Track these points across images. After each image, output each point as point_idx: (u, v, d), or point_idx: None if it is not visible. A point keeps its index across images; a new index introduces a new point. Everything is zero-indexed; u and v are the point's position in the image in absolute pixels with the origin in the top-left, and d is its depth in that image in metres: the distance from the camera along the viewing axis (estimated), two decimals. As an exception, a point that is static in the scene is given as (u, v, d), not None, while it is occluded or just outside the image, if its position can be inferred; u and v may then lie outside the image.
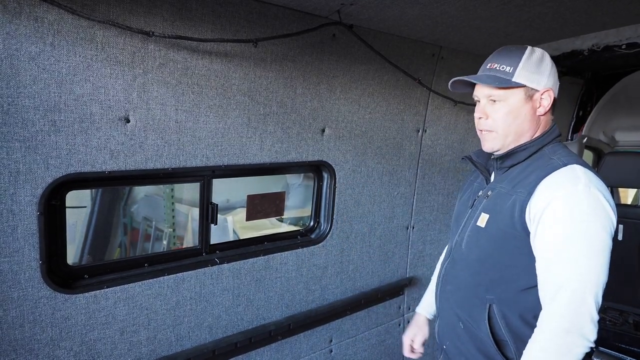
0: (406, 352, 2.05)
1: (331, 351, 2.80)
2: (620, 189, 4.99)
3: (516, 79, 1.50)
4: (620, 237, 3.57)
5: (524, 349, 1.46)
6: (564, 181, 1.40)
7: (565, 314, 1.33)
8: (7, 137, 1.55)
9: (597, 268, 1.33)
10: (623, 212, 3.56)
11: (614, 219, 1.37)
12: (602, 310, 3.58)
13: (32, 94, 1.57)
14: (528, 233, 1.44)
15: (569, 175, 1.40)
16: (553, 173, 1.42)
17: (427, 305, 2.04)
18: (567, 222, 1.36)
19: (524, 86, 1.51)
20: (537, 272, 1.43)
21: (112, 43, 1.69)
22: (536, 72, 1.51)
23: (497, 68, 1.54)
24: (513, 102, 1.53)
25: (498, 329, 1.53)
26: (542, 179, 1.43)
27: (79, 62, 1.64)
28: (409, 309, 3.22)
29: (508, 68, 1.52)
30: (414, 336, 2.02)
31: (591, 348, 1.33)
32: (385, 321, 3.08)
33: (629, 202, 6.13)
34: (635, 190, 5.83)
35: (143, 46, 1.76)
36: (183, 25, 1.83)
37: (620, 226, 3.57)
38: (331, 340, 2.79)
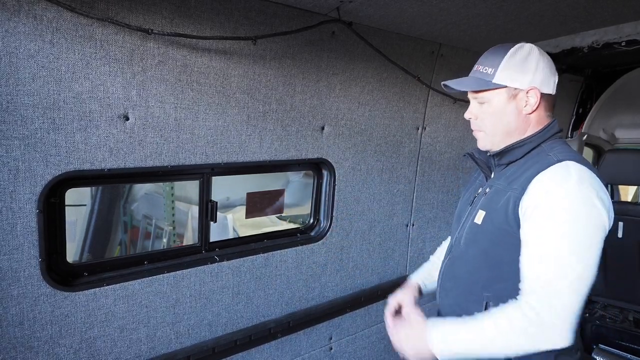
0: (388, 318, 1.73)
1: (331, 349, 2.80)
2: (620, 187, 4.99)
3: (496, 80, 1.51)
4: (620, 235, 3.56)
5: None
6: (556, 178, 1.39)
7: (535, 305, 1.31)
8: (6, 135, 1.55)
9: (581, 266, 1.32)
10: (623, 210, 3.56)
11: (606, 216, 1.36)
12: (602, 308, 3.63)
13: (31, 91, 1.57)
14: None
15: (561, 172, 1.39)
16: (546, 169, 1.41)
17: (422, 273, 1.93)
18: (554, 219, 1.35)
19: (505, 86, 1.51)
20: (521, 265, 1.41)
21: (111, 41, 1.69)
22: (519, 71, 1.50)
23: (481, 70, 1.56)
24: (496, 103, 1.53)
25: None
26: (535, 175, 1.42)
27: (78, 59, 1.64)
28: (409, 306, 3.22)
29: (490, 70, 1.52)
30: (403, 298, 1.76)
31: (574, 347, 1.32)
32: (385, 319, 3.09)
33: (629, 199, 6.13)
34: (636, 187, 5.83)
35: (142, 44, 1.76)
36: (182, 22, 1.83)
37: (620, 223, 3.55)
38: (331, 338, 2.80)
